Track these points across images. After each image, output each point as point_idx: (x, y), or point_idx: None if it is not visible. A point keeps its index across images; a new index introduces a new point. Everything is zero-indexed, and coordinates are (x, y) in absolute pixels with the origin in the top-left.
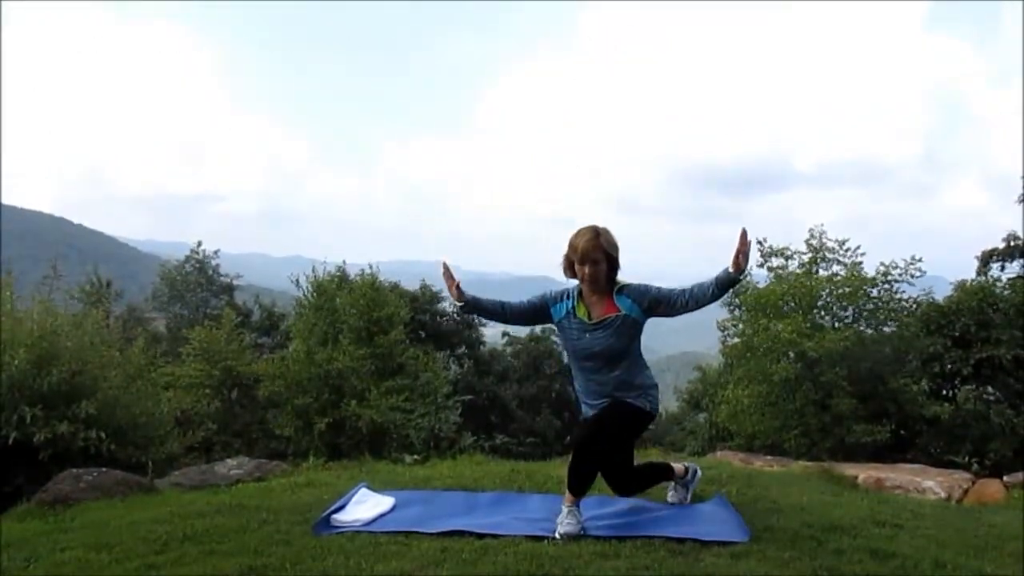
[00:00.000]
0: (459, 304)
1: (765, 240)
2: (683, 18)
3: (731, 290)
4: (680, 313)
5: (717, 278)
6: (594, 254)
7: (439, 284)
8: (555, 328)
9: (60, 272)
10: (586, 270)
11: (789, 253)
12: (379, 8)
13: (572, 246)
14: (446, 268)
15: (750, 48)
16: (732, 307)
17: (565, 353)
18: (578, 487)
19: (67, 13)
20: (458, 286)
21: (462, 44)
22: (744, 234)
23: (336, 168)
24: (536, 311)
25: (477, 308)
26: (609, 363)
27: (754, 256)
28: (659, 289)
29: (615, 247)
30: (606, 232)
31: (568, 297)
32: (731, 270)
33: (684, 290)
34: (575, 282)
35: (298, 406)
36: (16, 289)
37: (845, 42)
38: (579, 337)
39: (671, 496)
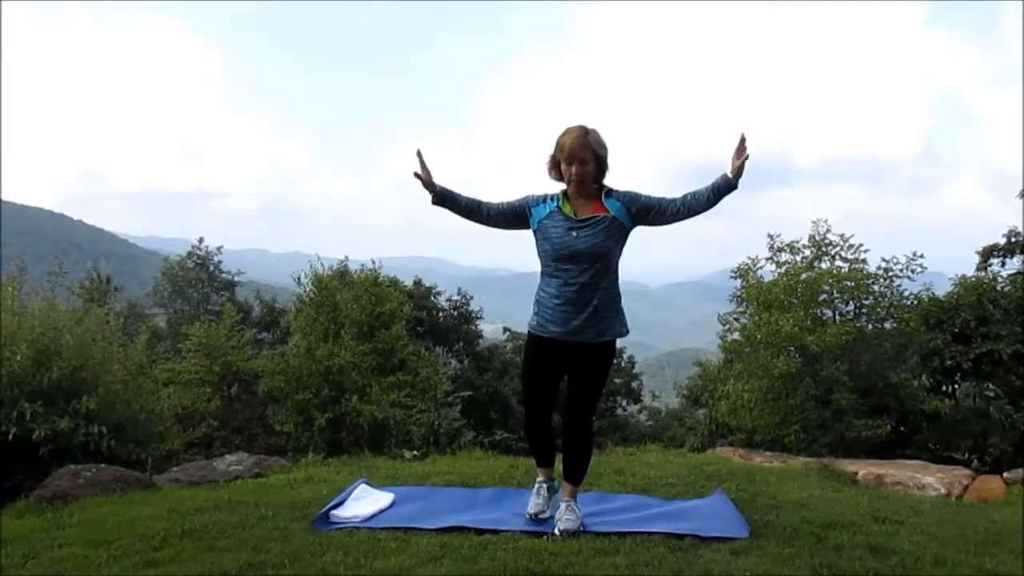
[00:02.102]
0: (430, 196)
1: (779, 236)
2: (683, 16)
3: (727, 196)
4: (672, 221)
5: (714, 184)
6: (582, 153)
7: (437, 280)
8: (533, 232)
9: (64, 269)
10: (573, 170)
11: (797, 247)
12: (378, 7)
13: (559, 145)
14: (419, 155)
15: (750, 45)
16: (740, 301)
17: (541, 259)
18: (576, 474)
19: (68, 10)
20: (428, 175)
21: (461, 43)
22: (743, 139)
23: (336, 165)
24: (516, 212)
25: (449, 202)
26: (591, 266)
27: (764, 250)
28: (649, 196)
29: (604, 147)
30: (595, 131)
31: (553, 199)
32: (729, 175)
33: (676, 198)
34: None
35: (298, 402)
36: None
37: (845, 39)
38: (563, 235)
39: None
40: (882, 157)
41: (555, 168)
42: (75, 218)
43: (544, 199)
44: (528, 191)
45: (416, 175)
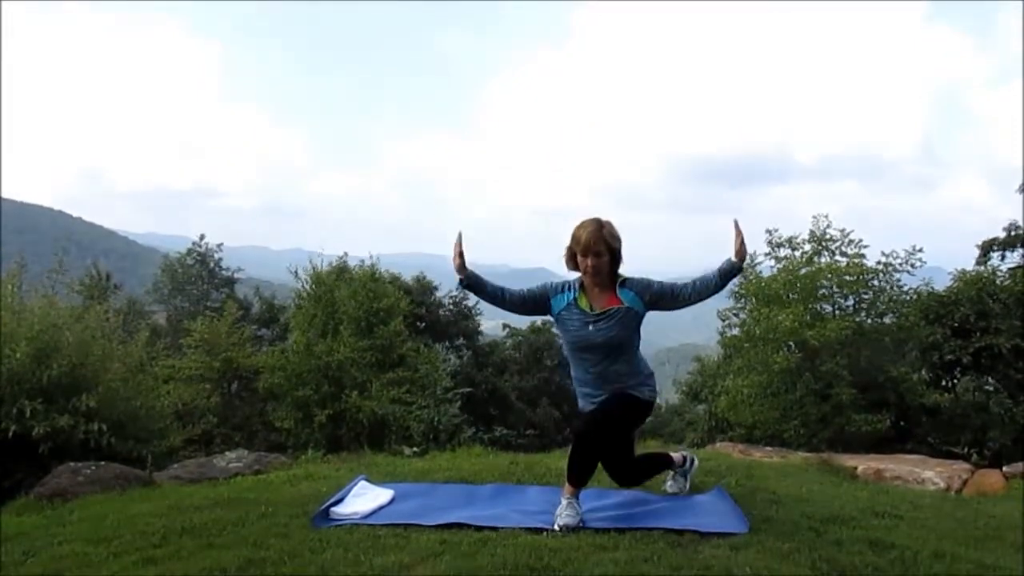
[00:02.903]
0: (458, 278)
1: (776, 230)
2: (683, 14)
3: (735, 279)
4: (683, 306)
5: (720, 269)
6: (597, 246)
7: (436, 276)
8: (554, 320)
9: (64, 267)
10: (589, 262)
11: (796, 243)
12: (377, 6)
13: (575, 238)
14: (459, 239)
15: (750, 42)
16: (739, 297)
17: (563, 345)
18: (578, 478)
19: (68, 10)
20: (462, 259)
21: (462, 41)
22: (736, 224)
23: (336, 163)
24: (536, 301)
25: (476, 287)
26: (609, 355)
27: (762, 245)
28: (661, 283)
29: (618, 239)
30: (609, 224)
31: (570, 289)
32: (734, 259)
33: (686, 284)
34: (576, 274)
35: (298, 398)
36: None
37: (845, 35)
38: (580, 328)
39: (670, 486)
40: (882, 154)
41: (571, 259)
42: (75, 215)
43: (562, 288)
44: (526, 193)
45: (459, 253)
